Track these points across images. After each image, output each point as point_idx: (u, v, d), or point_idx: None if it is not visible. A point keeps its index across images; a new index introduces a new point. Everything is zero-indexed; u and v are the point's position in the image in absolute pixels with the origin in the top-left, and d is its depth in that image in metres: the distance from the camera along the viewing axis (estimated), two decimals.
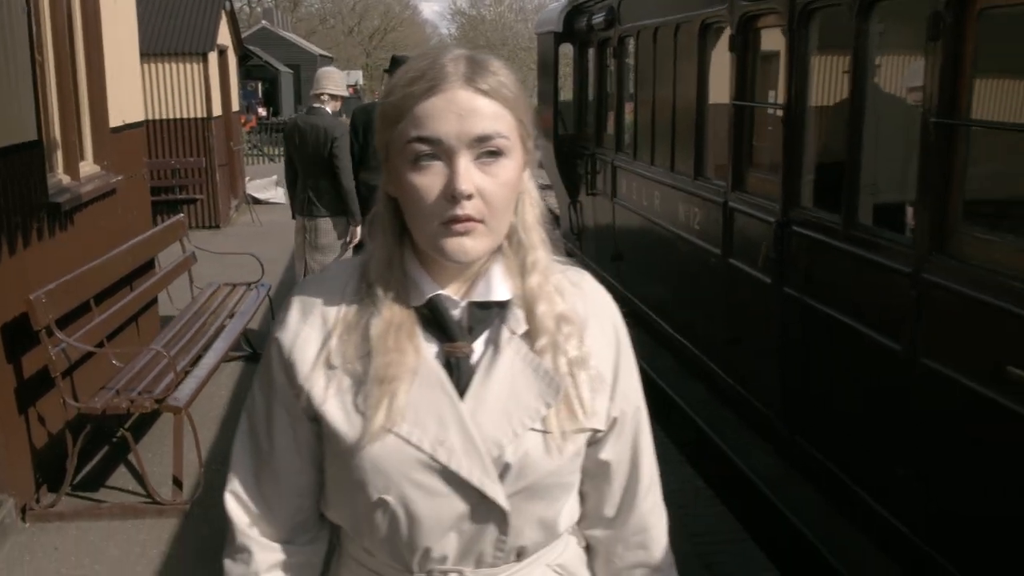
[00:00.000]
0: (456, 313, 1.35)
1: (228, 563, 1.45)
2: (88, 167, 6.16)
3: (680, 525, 4.43)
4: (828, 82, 4.55)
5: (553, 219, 12.98)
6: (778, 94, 4.66)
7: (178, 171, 13.16)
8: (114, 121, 6.56)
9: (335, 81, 6.89)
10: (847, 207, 3.98)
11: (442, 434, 1.29)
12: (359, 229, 6.66)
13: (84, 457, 5.08)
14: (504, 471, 1.30)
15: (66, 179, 5.73)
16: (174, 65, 12.66)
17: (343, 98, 6.89)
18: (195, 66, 13.13)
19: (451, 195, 1.24)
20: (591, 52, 8.80)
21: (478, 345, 1.35)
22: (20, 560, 4.31)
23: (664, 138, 6.46)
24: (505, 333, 1.34)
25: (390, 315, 1.32)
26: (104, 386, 4.94)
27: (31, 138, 5.01)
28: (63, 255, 5.29)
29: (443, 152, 1.25)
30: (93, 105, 6.25)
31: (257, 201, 15.81)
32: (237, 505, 1.44)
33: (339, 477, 1.36)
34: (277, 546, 1.44)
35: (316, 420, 1.36)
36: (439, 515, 1.31)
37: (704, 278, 5.71)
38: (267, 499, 1.43)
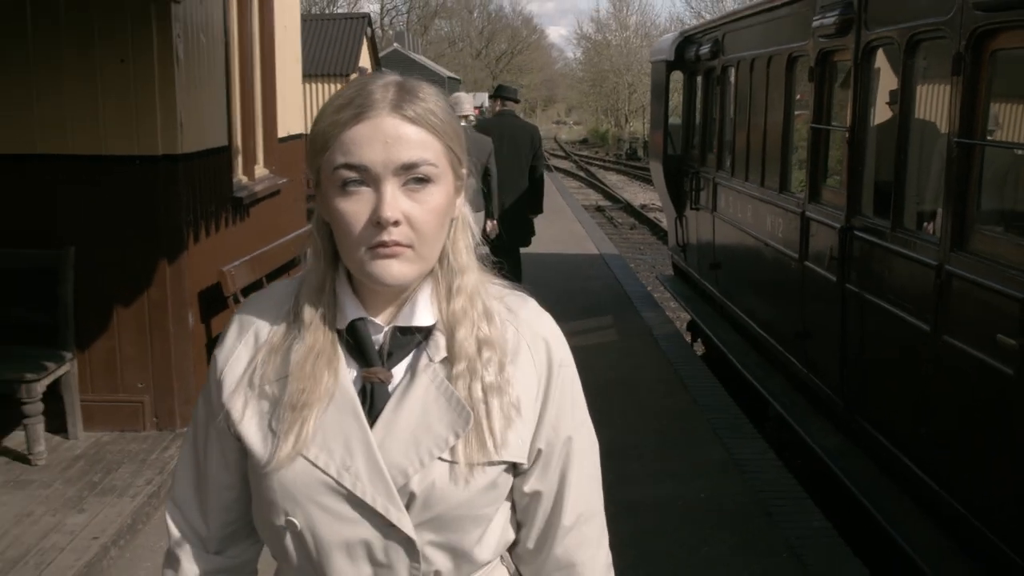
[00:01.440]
0: (378, 338, 1.36)
1: (165, 571, 1.50)
2: (260, 170, 7.32)
3: (749, 487, 5.26)
4: (885, 109, 5.28)
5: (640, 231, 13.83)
6: (846, 118, 5.42)
7: None
8: (281, 132, 7.73)
9: (465, 105, 8.76)
10: (894, 213, 4.73)
11: (348, 460, 1.30)
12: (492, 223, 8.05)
13: None
14: (410, 500, 1.31)
15: (244, 179, 6.89)
16: (322, 85, 14.00)
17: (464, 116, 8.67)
18: (339, 86, 14.46)
19: (377, 221, 1.25)
20: (699, 79, 9.63)
21: (398, 371, 1.36)
22: None
23: (756, 157, 7.26)
24: (423, 359, 1.35)
25: (312, 340, 1.34)
26: None
27: (223, 144, 6.16)
28: (242, 240, 6.42)
29: (370, 179, 1.26)
30: (266, 118, 7.42)
31: None
32: (174, 514, 1.49)
33: (255, 497, 1.39)
34: (207, 556, 1.48)
35: (239, 439, 1.38)
36: (347, 540, 1.32)
37: (783, 279, 6.47)
38: (201, 510, 1.47)
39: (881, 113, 5.20)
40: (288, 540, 1.35)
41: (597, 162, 41.57)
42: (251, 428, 1.35)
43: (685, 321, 10.48)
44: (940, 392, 4.24)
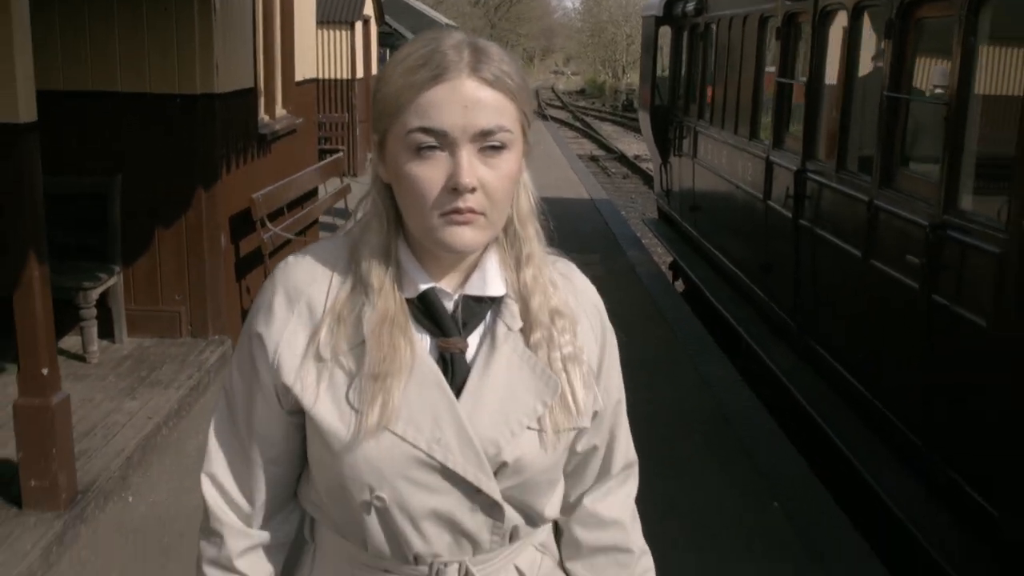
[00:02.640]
0: (449, 306, 1.34)
1: (203, 544, 1.46)
2: (279, 111, 8.00)
3: (713, 399, 6.02)
4: (835, 65, 5.99)
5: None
6: (806, 72, 6.13)
7: (324, 124, 15.09)
8: (297, 77, 8.39)
9: None
10: (839, 158, 5.47)
11: (438, 432, 1.29)
12: None
13: None
14: (500, 468, 1.32)
15: (266, 118, 7.57)
16: (326, 32, 14.55)
17: None
18: (343, 33, 15.05)
19: (453, 187, 1.22)
20: (685, 35, 10.29)
21: (473, 340, 1.34)
22: None
23: (731, 108, 7.97)
24: (501, 328, 1.34)
25: (384, 307, 1.29)
26: None
27: (250, 85, 6.85)
28: (266, 173, 7.13)
29: (446, 144, 1.23)
30: (285, 63, 8.08)
31: None
32: (213, 488, 1.44)
33: (328, 474, 1.34)
34: (250, 531, 1.45)
35: (300, 413, 1.34)
36: (436, 510, 1.32)
37: (750, 217, 7.21)
38: (242, 485, 1.43)
39: (833, 69, 5.91)
40: (373, 514, 1.32)
41: (593, 113, 42.00)
42: (327, 405, 1.30)
43: (669, 261, 11.23)
44: (868, 309, 5.01)
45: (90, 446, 4.72)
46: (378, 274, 1.31)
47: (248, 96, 6.80)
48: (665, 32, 10.98)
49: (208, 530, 1.45)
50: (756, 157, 7.06)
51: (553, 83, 79.83)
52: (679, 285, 10.35)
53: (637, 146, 27.46)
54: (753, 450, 5.32)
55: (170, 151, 6.09)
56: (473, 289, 1.34)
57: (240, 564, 1.44)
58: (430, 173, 1.23)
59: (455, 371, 1.32)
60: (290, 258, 1.40)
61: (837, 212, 5.48)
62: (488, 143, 1.24)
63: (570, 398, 1.35)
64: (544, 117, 35.16)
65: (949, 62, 4.22)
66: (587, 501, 1.51)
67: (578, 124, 35.24)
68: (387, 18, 23.23)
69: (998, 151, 4.02)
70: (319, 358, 1.30)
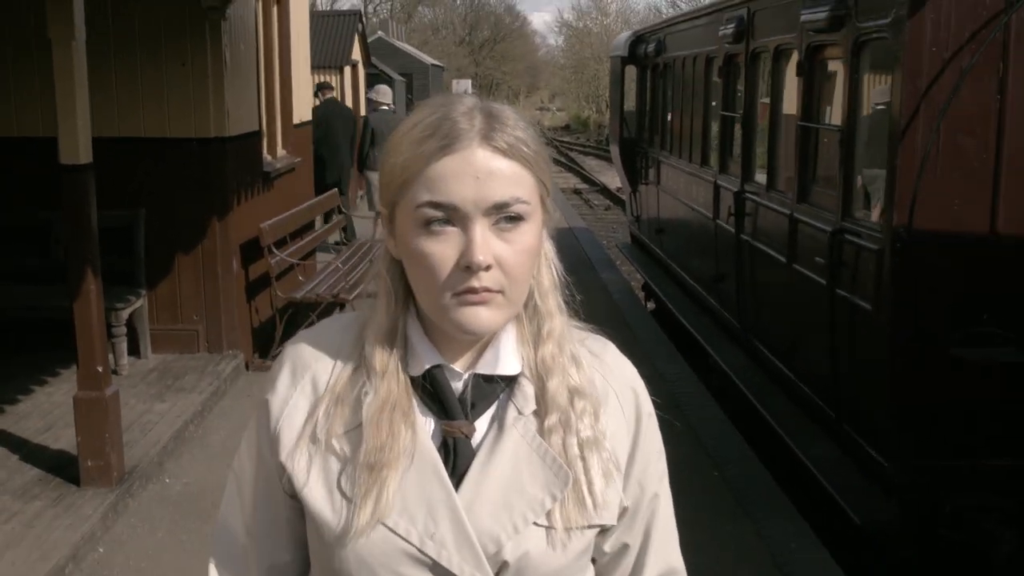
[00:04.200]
0: (458, 386, 1.24)
1: None
2: (280, 151, 8.88)
3: (667, 389, 6.86)
4: (764, 99, 6.89)
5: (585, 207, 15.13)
6: (738, 107, 7.03)
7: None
8: (295, 119, 9.29)
9: (386, 96, 11.97)
10: (769, 179, 6.35)
11: (432, 526, 1.19)
12: None
13: (286, 332, 7.77)
14: (501, 569, 1.20)
15: (269, 157, 8.45)
16: (319, 76, 15.49)
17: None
18: (334, 78, 15.98)
19: (467, 266, 1.14)
20: (648, 73, 11.23)
21: (481, 424, 1.24)
22: (244, 392, 6.94)
23: (686, 138, 8.88)
24: (512, 412, 1.23)
25: (386, 391, 1.21)
26: (297, 288, 7.63)
27: (256, 128, 7.73)
28: (270, 206, 7.99)
29: (458, 218, 1.15)
30: (284, 108, 8.97)
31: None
32: (219, 572, 1.39)
33: (321, 564, 1.27)
34: None
35: (298, 498, 1.26)
36: None
37: (704, 236, 8.09)
38: (249, 569, 1.36)
39: (762, 103, 6.81)
40: None
41: (578, 148, 43.11)
42: (318, 491, 1.23)
43: (641, 284, 12.09)
44: (792, 306, 5.87)
45: (130, 439, 5.52)
46: (382, 356, 1.23)
47: (254, 138, 7.68)
48: (631, 71, 11.93)
49: None
50: (706, 181, 7.95)
51: (539, 119, 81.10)
52: (651, 305, 11.21)
53: (620, 179, 28.47)
54: (699, 430, 6.15)
55: (188, 187, 6.94)
56: (485, 367, 1.24)
57: None
58: (441, 250, 1.15)
59: (458, 458, 1.21)
60: (302, 332, 1.36)
61: (768, 226, 6.36)
62: (503, 216, 1.16)
63: (585, 490, 1.22)
64: None
65: (842, 94, 5.11)
66: None
67: (562, 159, 36.27)
68: (373, 60, 24.22)
69: (879, 167, 4.89)
70: (314, 439, 1.24)
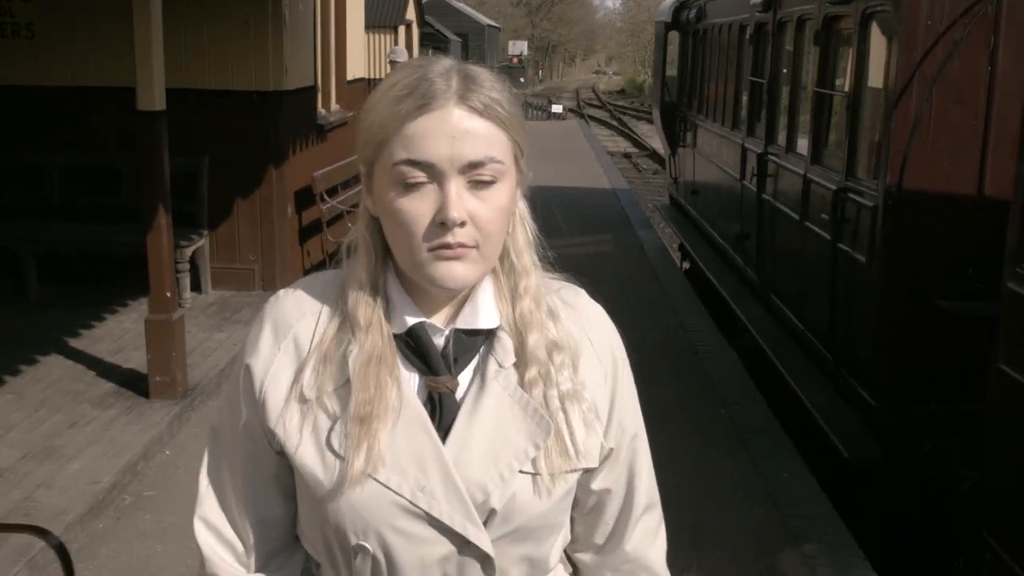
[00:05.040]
0: (440, 342, 1.28)
1: None
2: (334, 105, 9.41)
3: (687, 339, 7.32)
4: (788, 67, 7.25)
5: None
6: (766, 73, 7.40)
7: None
8: (348, 76, 9.80)
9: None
10: (788, 142, 6.74)
11: (423, 479, 1.23)
12: None
13: None
14: (489, 516, 1.26)
15: (323, 112, 8.99)
16: (373, 36, 15.98)
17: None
18: (388, 37, 16.47)
19: (441, 222, 1.18)
20: (689, 39, 11.56)
21: (463, 378, 1.28)
22: None
23: (720, 103, 9.25)
24: (492, 365, 1.28)
25: (371, 345, 1.24)
26: (347, 233, 8.19)
27: (311, 83, 8.27)
28: (323, 157, 8.54)
29: (434, 176, 1.19)
30: (338, 65, 9.49)
31: None
32: (206, 532, 1.38)
33: (314, 518, 1.30)
34: (249, 575, 1.39)
35: (287, 455, 1.28)
36: (421, 560, 1.26)
37: (731, 196, 8.49)
38: (236, 527, 1.37)
39: (787, 70, 7.18)
40: (358, 562, 1.27)
41: (631, 112, 43.19)
42: (309, 449, 1.25)
43: (678, 244, 12.49)
44: (803, 261, 6.29)
45: (192, 362, 6.11)
46: (365, 311, 1.26)
47: (309, 92, 8.21)
48: (673, 36, 12.26)
49: None
50: (735, 144, 8.34)
51: (594, 83, 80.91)
52: (687, 265, 11.62)
53: (660, 142, 28.67)
54: (712, 374, 6.62)
55: (248, 137, 7.49)
56: (464, 322, 1.28)
57: None
58: (417, 207, 1.19)
59: (443, 412, 1.26)
60: (281, 292, 1.36)
61: (786, 186, 6.76)
62: (478, 174, 1.20)
63: (567, 439, 1.28)
64: (582, 116, 36.49)
65: (851, 63, 5.50)
66: (610, 543, 1.44)
67: (615, 123, 36.45)
68: (428, 19, 24.57)
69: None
70: (303, 399, 1.26)
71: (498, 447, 1.26)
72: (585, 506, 1.41)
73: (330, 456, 1.25)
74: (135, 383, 5.65)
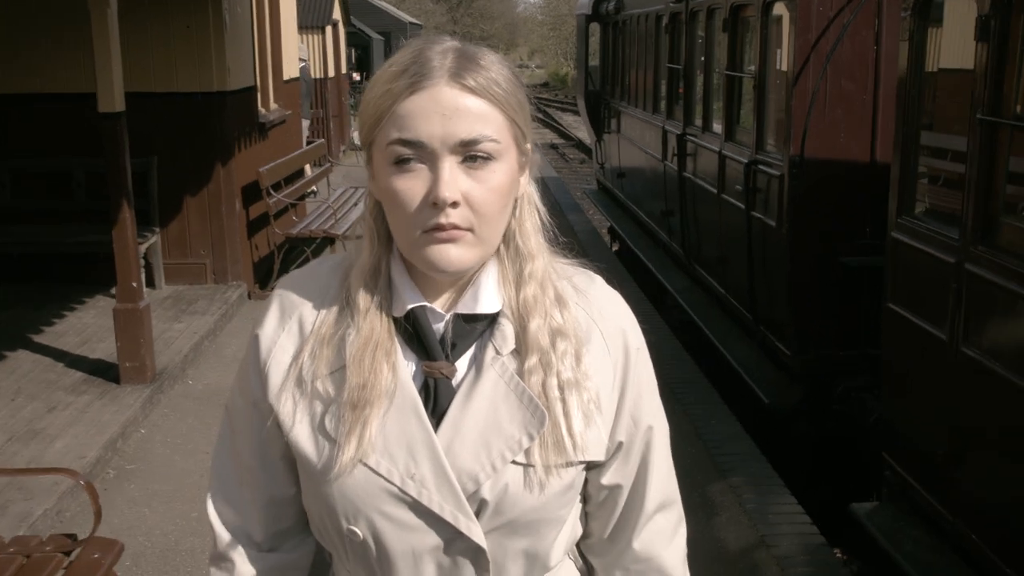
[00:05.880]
0: (439, 327, 1.26)
1: (213, 571, 1.40)
2: (272, 104, 9.75)
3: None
4: (699, 53, 7.81)
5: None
6: (682, 58, 7.96)
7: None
8: (285, 76, 10.14)
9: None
10: (704, 122, 7.30)
11: (412, 466, 1.22)
12: None
13: (283, 265, 8.70)
14: (481, 506, 1.23)
15: (263, 111, 9.32)
16: (302, 36, 16.25)
17: None
18: (316, 37, 16.76)
19: (433, 202, 1.16)
20: (610, 29, 12.12)
21: (461, 364, 1.26)
22: (249, 316, 7.87)
23: (640, 89, 9.81)
24: (490, 351, 1.25)
25: (368, 330, 1.24)
26: (292, 226, 8.56)
27: (251, 84, 8.61)
28: (265, 153, 8.89)
29: (426, 155, 1.16)
30: (275, 65, 9.83)
31: (356, 147, 19.52)
32: (218, 512, 1.39)
33: (311, 500, 1.31)
34: (259, 555, 1.39)
35: (289, 442, 1.29)
36: (412, 549, 1.25)
37: (655, 176, 9.05)
38: (246, 506, 1.38)
39: (699, 56, 7.74)
40: (349, 547, 1.27)
41: (556, 104, 43.81)
42: (303, 431, 1.25)
43: (607, 228, 13.05)
44: (721, 231, 6.85)
45: (156, 349, 6.45)
46: (365, 295, 1.25)
47: (250, 92, 8.55)
48: (594, 28, 12.81)
49: (218, 556, 1.40)
50: (656, 127, 8.90)
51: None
52: (616, 247, 12.18)
53: (585, 130, 29.32)
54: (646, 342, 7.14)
55: (193, 136, 7.81)
56: (465, 307, 1.26)
57: None
58: (410, 186, 1.17)
59: (438, 398, 1.24)
60: (293, 272, 1.38)
61: (703, 163, 7.32)
62: (471, 152, 1.17)
63: (564, 430, 1.24)
64: None
65: (756, 47, 6.06)
66: (618, 541, 1.39)
67: (540, 115, 37.01)
68: (352, 19, 24.84)
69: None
70: (299, 382, 1.27)
71: (491, 436, 1.23)
72: (595, 501, 1.38)
73: (323, 440, 1.25)
74: (104, 371, 5.98)
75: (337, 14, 18.01)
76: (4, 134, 7.69)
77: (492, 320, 1.27)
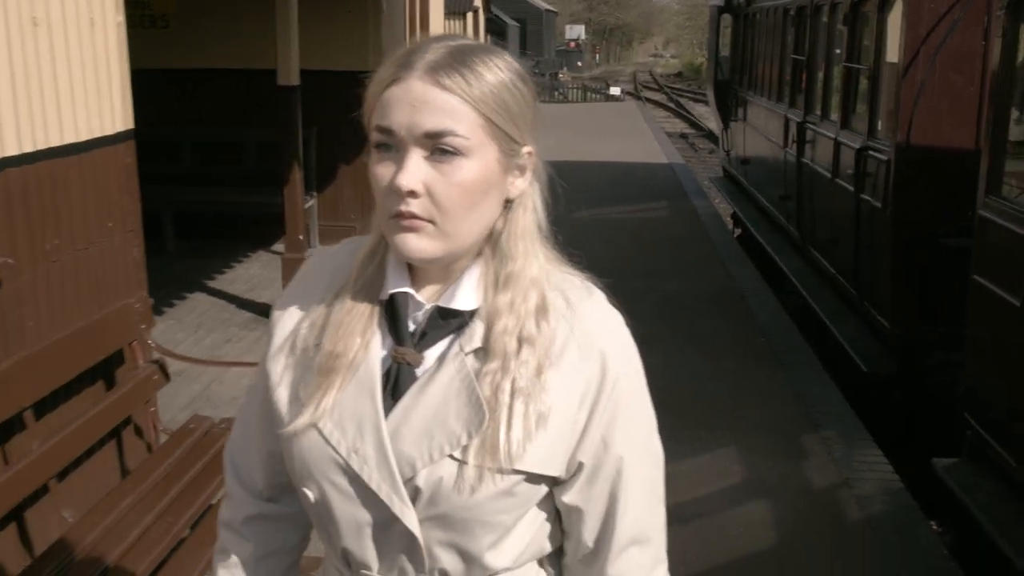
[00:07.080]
0: (418, 315, 1.29)
1: (222, 504, 1.52)
2: None
3: (735, 286, 8.33)
4: (823, 45, 8.19)
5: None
6: (804, 50, 8.37)
7: None
8: None
9: None
10: (822, 107, 7.72)
11: (359, 441, 1.26)
12: None
13: None
14: (416, 494, 1.26)
15: None
16: (446, 22, 17.11)
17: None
18: (458, 23, 17.61)
19: (395, 189, 1.20)
20: (740, 20, 12.52)
21: (431, 355, 1.29)
22: None
23: (766, 79, 10.22)
24: (455, 348, 1.27)
25: (351, 305, 1.29)
26: None
27: None
28: None
29: (397, 143, 1.20)
30: None
31: None
32: (229, 455, 1.50)
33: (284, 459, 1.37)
34: (259, 502, 1.48)
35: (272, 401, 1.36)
36: (355, 520, 1.30)
37: (776, 163, 9.47)
38: (251, 455, 1.47)
39: (822, 48, 8.14)
40: (308, 508, 1.35)
41: (688, 94, 43.87)
42: (283, 394, 1.33)
43: (731, 213, 13.44)
44: (834, 214, 7.28)
45: None
46: (360, 273, 1.31)
47: None
48: (726, 18, 13.21)
49: (226, 496, 1.51)
50: (779, 115, 9.32)
51: (651, 66, 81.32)
52: (738, 231, 12.57)
53: (713, 118, 29.45)
54: (755, 310, 7.64)
55: (349, 111, 8.56)
56: (444, 301, 1.29)
57: (245, 529, 1.48)
58: (383, 173, 1.22)
59: (399, 383, 1.28)
60: (320, 249, 1.42)
61: (820, 149, 7.74)
62: (439, 147, 1.19)
63: (501, 436, 1.23)
64: (640, 99, 37.37)
65: (873, 40, 6.47)
66: (595, 566, 1.37)
67: (672, 105, 37.22)
68: (492, 7, 25.69)
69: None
70: (293, 347, 1.33)
71: (435, 428, 1.25)
72: (566, 519, 1.37)
73: (294, 404, 1.31)
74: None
75: (479, 1, 18.82)
76: (187, 106, 8.69)
77: (466, 317, 1.29)
